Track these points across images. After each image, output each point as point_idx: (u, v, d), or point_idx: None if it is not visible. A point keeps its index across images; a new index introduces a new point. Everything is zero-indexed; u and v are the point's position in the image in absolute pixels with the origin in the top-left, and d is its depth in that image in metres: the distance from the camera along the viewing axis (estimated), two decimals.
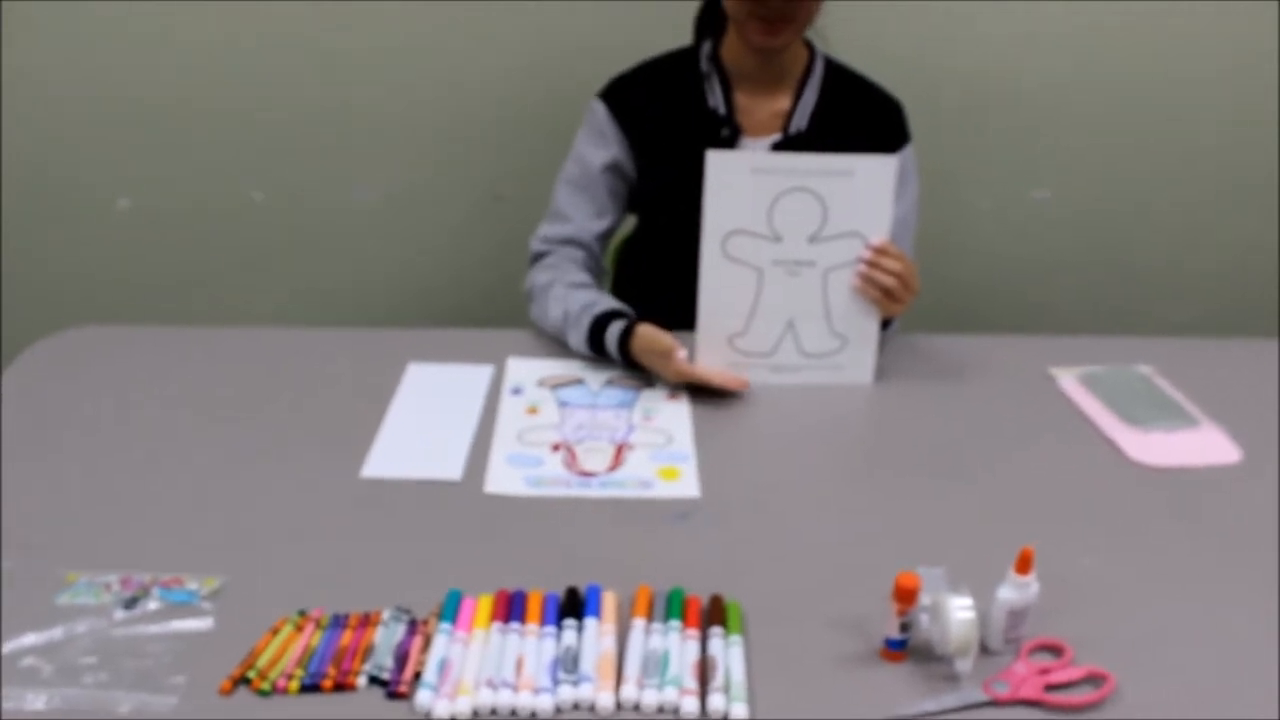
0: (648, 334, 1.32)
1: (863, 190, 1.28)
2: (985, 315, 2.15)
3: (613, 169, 1.48)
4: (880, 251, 1.30)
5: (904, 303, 1.33)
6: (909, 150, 1.49)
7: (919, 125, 1.52)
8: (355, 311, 2.12)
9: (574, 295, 1.39)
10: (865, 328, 1.35)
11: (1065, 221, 2.10)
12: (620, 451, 1.20)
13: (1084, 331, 1.62)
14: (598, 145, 1.48)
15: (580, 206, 1.48)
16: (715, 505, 1.11)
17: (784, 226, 1.30)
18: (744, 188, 1.27)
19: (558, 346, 1.42)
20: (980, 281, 2.15)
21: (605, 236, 1.51)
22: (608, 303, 1.38)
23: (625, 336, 1.33)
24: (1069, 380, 1.40)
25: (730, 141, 1.45)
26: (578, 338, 1.37)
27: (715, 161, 1.26)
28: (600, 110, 1.48)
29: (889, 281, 1.30)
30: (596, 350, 1.36)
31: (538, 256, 1.49)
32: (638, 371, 1.36)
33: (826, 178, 1.27)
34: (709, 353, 1.34)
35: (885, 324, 1.38)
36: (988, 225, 2.10)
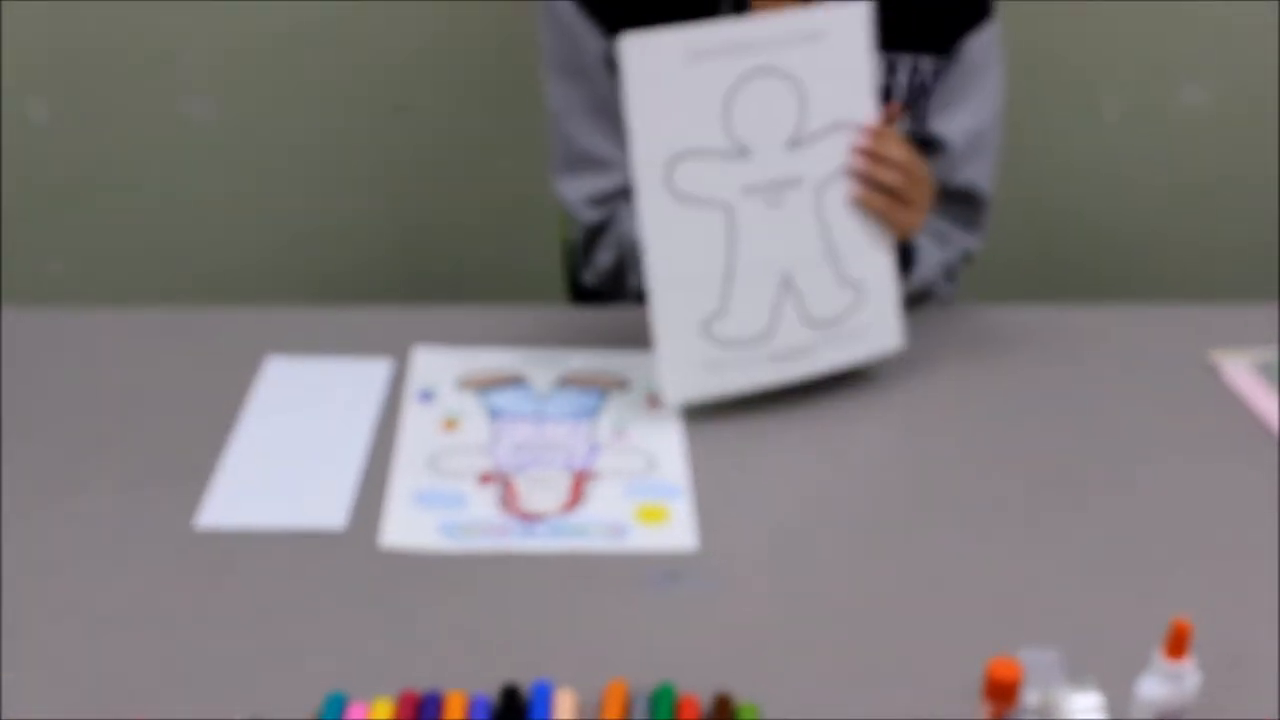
0: None
1: (840, 56, 1.27)
2: (1113, 276, 2.15)
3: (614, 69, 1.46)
4: (875, 137, 1.29)
5: (915, 205, 1.32)
6: (992, 30, 1.49)
7: None
8: (188, 282, 2.10)
9: None
10: (878, 263, 1.33)
11: (1229, 135, 2.10)
12: (580, 483, 1.20)
13: (1260, 298, 1.62)
14: (579, 47, 1.47)
15: (613, 137, 1.45)
16: (719, 561, 1.11)
17: (749, 131, 1.26)
18: (682, 83, 1.24)
19: (484, 332, 1.42)
20: (1105, 225, 2.14)
21: None
22: None
23: None
24: (1239, 368, 1.40)
25: None
26: None
27: (634, 51, 1.21)
28: (566, 10, 1.47)
29: (892, 178, 1.29)
30: None
31: (596, 232, 1.53)
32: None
33: (791, 47, 1.25)
34: (675, 352, 1.28)
35: (904, 256, 1.37)
36: (1116, 142, 2.10)
